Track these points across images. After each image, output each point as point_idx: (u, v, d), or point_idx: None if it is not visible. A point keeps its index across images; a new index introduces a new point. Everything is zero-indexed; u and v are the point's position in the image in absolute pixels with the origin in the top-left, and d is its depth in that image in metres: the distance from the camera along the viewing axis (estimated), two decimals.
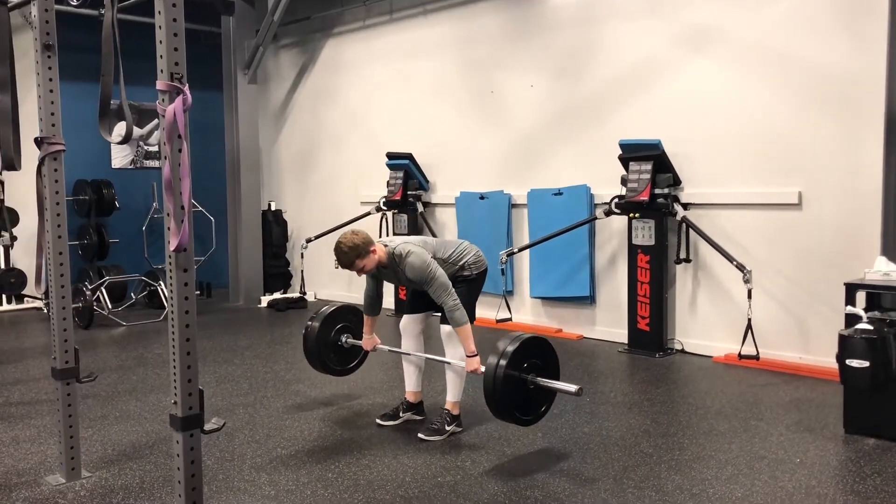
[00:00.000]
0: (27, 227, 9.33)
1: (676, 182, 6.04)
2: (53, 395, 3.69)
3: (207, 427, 2.94)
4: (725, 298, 5.87)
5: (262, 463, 3.83)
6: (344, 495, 3.43)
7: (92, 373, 3.83)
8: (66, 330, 3.61)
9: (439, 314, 4.17)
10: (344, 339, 4.62)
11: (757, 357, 5.37)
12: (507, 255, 6.60)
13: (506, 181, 7.31)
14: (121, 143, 3.47)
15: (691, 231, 5.93)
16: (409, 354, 4.39)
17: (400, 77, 8.22)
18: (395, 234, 8.05)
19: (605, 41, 6.53)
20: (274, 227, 9.25)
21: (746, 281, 5.33)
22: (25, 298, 8.89)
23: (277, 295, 9.04)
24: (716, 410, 4.61)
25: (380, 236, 8.04)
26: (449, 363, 4.19)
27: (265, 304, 8.79)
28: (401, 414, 4.46)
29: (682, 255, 6.00)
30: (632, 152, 6.09)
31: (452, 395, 4.26)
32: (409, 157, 7.83)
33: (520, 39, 7.14)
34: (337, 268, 4.36)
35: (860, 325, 3.95)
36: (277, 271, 9.31)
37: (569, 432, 4.25)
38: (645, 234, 6.09)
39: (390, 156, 7.95)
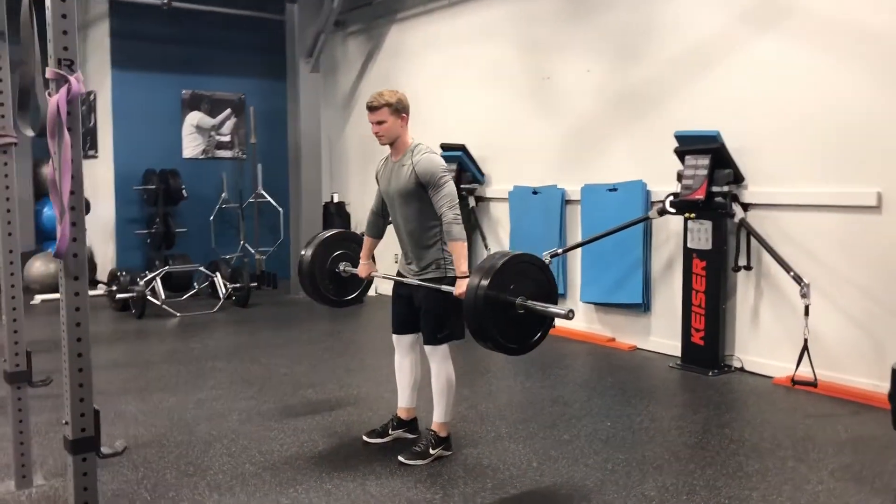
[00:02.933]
0: (96, 214, 9.56)
1: (738, 179, 5.35)
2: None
3: (105, 451, 2.67)
4: (791, 313, 5.13)
5: (221, 481, 3.56)
6: None
7: (48, 377, 3.65)
8: (16, 332, 3.45)
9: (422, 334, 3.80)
10: (342, 268, 4.24)
11: (815, 384, 4.65)
12: (551, 256, 6.08)
13: (560, 175, 6.77)
14: (38, 135, 3.22)
15: (753, 236, 5.23)
16: (402, 279, 3.87)
17: (458, 64, 7.80)
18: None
19: (666, 18, 5.88)
20: (336, 219, 9.05)
21: (804, 295, 4.63)
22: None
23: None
24: (752, 445, 3.97)
25: None
26: (441, 287, 3.66)
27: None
28: (390, 431, 4.09)
29: (742, 262, 5.31)
30: (688, 145, 5.44)
31: (439, 415, 3.84)
32: (463, 148, 7.41)
33: (576, 19, 6.57)
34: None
35: None
36: None
37: (569, 466, 3.74)
38: (701, 236, 5.43)
39: (444, 147, 7.54)
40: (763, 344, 5.34)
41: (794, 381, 4.70)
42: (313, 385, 5.16)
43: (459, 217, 3.64)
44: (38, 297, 8.67)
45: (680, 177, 5.47)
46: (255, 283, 8.68)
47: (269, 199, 9.35)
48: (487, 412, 4.56)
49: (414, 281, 3.80)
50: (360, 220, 9.24)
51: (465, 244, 3.62)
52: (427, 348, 3.82)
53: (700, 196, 5.28)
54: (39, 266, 9.11)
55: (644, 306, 6.07)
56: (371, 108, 3.72)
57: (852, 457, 3.82)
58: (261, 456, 3.87)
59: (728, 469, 3.67)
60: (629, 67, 6.16)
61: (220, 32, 9.50)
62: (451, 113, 7.91)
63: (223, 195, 9.43)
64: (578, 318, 6.67)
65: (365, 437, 4.08)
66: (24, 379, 3.45)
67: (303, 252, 4.28)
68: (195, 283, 8.88)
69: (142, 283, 7.63)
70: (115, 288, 7.80)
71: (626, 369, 5.58)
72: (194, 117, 9.59)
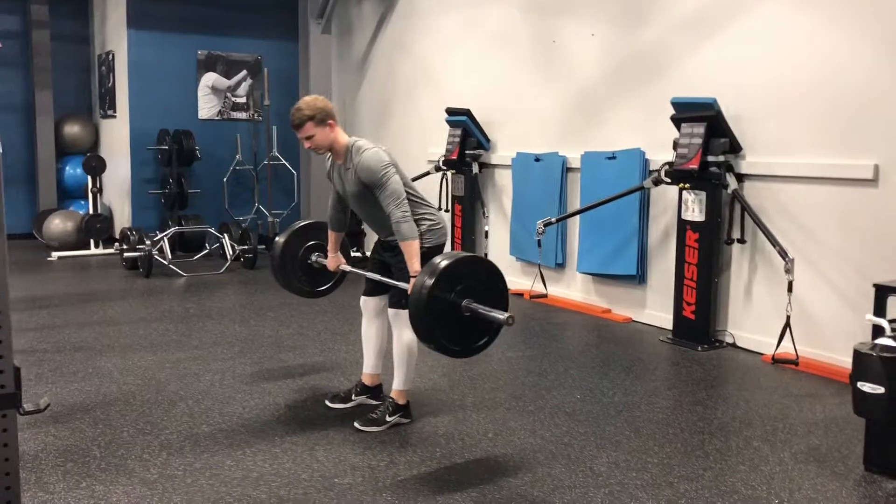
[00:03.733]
0: (114, 174, 9.69)
1: (735, 149, 5.15)
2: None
3: (27, 407, 2.67)
4: (785, 288, 4.95)
5: (174, 440, 3.59)
6: (221, 489, 3.10)
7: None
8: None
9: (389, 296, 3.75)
10: (314, 258, 4.20)
11: (796, 362, 4.49)
12: (545, 225, 5.97)
13: (562, 142, 6.62)
14: None
15: (743, 207, 5.05)
16: (367, 275, 3.91)
17: (467, 25, 7.65)
18: (453, 196, 7.58)
19: None
20: None
21: (787, 271, 4.46)
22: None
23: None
24: (720, 424, 3.87)
25: (440, 198, 7.60)
26: (397, 286, 3.67)
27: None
28: (353, 397, 4.07)
29: (736, 235, 5.14)
30: (684, 112, 5.26)
31: (398, 382, 3.80)
32: (468, 113, 7.28)
33: None
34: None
35: (881, 341, 3.10)
36: (350, 229, 9.06)
37: (524, 438, 3.68)
38: (695, 207, 5.26)
39: (449, 112, 7.45)
40: (756, 319, 5.18)
41: (774, 359, 4.55)
42: (294, 348, 5.17)
43: (407, 214, 3.54)
44: (55, 255, 8.85)
45: (676, 145, 5.29)
46: (265, 246, 8.72)
47: (283, 161, 9.37)
48: (459, 380, 4.52)
49: (386, 280, 3.77)
50: None
51: (416, 242, 3.53)
52: (391, 312, 3.79)
53: (694, 165, 5.11)
54: (58, 223, 9.29)
55: (639, 278, 5.93)
56: (294, 127, 3.64)
57: (822, 439, 3.69)
58: (220, 417, 3.88)
59: (688, 447, 3.57)
60: (632, 31, 5.96)
61: None
62: (459, 77, 7.78)
63: (237, 157, 9.46)
64: (575, 289, 6.57)
65: (328, 402, 4.07)
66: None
67: (276, 240, 4.26)
68: (206, 244, 8.96)
69: (149, 242, 7.71)
70: (125, 247, 7.92)
71: (614, 342, 5.48)
72: (210, 78, 9.61)
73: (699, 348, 5.19)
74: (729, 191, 5.06)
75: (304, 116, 3.57)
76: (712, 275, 5.23)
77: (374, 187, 3.57)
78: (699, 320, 5.29)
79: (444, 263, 3.14)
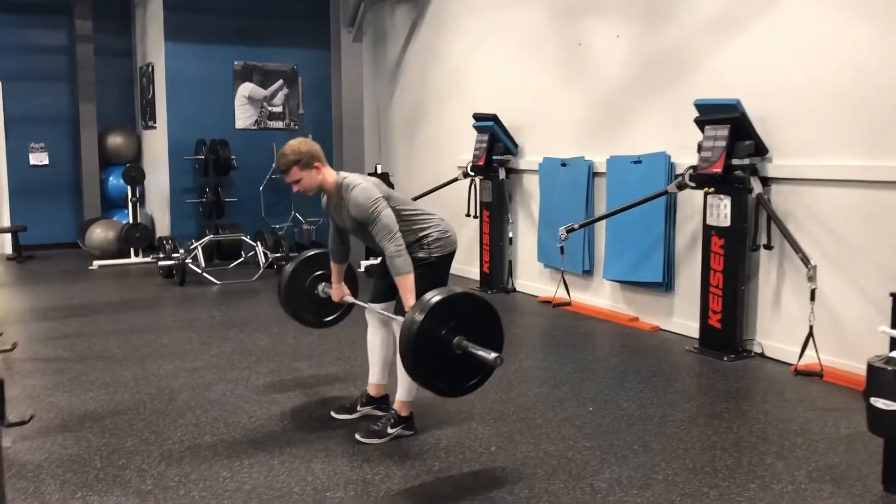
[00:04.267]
0: (155, 184, 9.87)
1: (761, 151, 4.97)
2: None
3: (11, 419, 2.71)
4: (817, 296, 4.74)
5: (175, 450, 3.59)
6: (211, 500, 3.09)
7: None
8: None
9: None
10: (321, 289, 4.19)
11: (820, 374, 4.29)
12: (568, 231, 5.85)
13: (589, 146, 6.49)
14: None
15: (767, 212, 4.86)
16: (369, 307, 3.92)
17: (495, 29, 7.57)
18: (481, 202, 7.50)
19: None
20: None
21: (810, 278, 4.26)
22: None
23: (374, 260, 8.80)
24: (736, 438, 3.71)
25: (468, 205, 7.54)
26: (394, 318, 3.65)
27: (362, 269, 8.61)
28: (358, 408, 4.03)
29: (762, 241, 4.95)
30: (708, 114, 5.09)
31: (402, 393, 3.75)
32: (495, 118, 7.20)
33: None
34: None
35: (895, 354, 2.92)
36: None
37: (528, 452, 3.58)
38: (720, 212, 5.09)
39: (476, 117, 7.38)
40: (785, 328, 4.97)
41: (797, 371, 4.36)
42: (311, 357, 5.16)
43: (401, 248, 3.50)
44: (96, 263, 9.04)
45: (700, 148, 5.13)
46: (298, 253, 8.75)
47: None
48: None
49: (383, 313, 3.78)
50: (403, 189, 9.18)
51: (411, 276, 3.48)
52: (395, 321, 3.73)
53: (718, 169, 4.94)
54: (99, 232, 9.49)
55: (666, 285, 5.77)
56: (281, 172, 3.67)
57: (842, 456, 3.51)
58: (225, 428, 3.88)
59: (697, 463, 3.43)
60: (657, 31, 5.81)
61: (271, 3, 9.57)
62: (488, 81, 7.70)
63: (273, 165, 9.55)
64: (603, 296, 6.43)
65: (333, 413, 4.03)
66: None
67: (283, 270, 4.26)
68: (242, 252, 9.05)
69: (182, 251, 7.83)
70: (161, 255, 8.05)
71: (638, 351, 5.33)
72: (246, 88, 9.73)
73: (724, 358, 5.01)
74: (753, 195, 4.88)
75: (289, 162, 3.58)
76: (738, 282, 5.05)
77: (366, 223, 3.55)
78: (725, 329, 5.10)
79: (436, 299, 3.10)
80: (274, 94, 9.89)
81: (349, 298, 4.08)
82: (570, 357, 5.22)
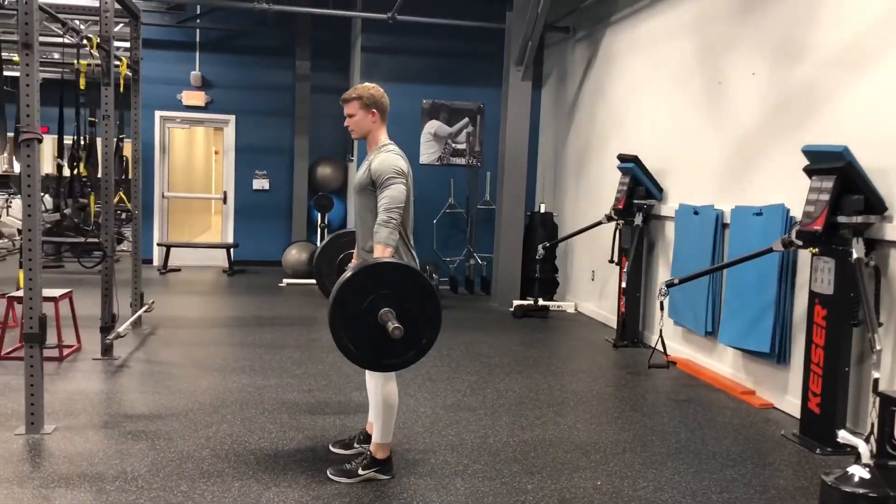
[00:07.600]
0: (350, 212, 10.50)
1: (875, 208, 4.15)
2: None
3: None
4: None
5: (160, 461, 3.80)
6: None
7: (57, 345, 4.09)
8: (31, 299, 4.05)
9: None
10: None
11: None
12: (668, 286, 5.30)
13: (720, 194, 5.84)
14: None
15: (884, 281, 4.02)
16: None
17: (652, 66, 7.12)
18: (620, 247, 7.04)
19: (828, 8, 4.76)
20: (539, 229, 8.82)
21: (874, 364, 3.43)
22: None
23: (526, 301, 8.62)
24: None
25: (612, 250, 7.12)
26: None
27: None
28: (354, 444, 3.99)
29: (862, 316, 4.10)
30: (815, 163, 4.38)
31: (377, 435, 3.66)
32: (635, 159, 6.76)
33: (746, 12, 5.61)
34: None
35: (853, 470, 2.28)
36: (544, 276, 8.85)
37: None
38: (823, 277, 4.32)
39: (620, 158, 6.98)
40: None
41: None
42: (361, 387, 5.17)
43: (392, 221, 3.44)
44: (286, 281, 9.86)
45: (806, 201, 4.41)
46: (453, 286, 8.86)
47: (493, 206, 9.48)
48: (473, 444, 4.18)
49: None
50: (568, 230, 8.92)
51: (390, 250, 3.41)
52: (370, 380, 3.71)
53: (818, 227, 4.21)
54: (294, 253, 10.34)
55: (778, 357, 4.99)
56: (343, 101, 3.72)
57: None
58: (227, 447, 4.03)
59: None
60: (789, 67, 5.10)
61: (459, 43, 9.85)
62: (641, 121, 7.26)
63: (450, 200, 9.78)
64: (726, 362, 5.72)
65: (330, 446, 4.03)
66: (35, 340, 4.06)
67: (318, 247, 4.40)
68: None
69: None
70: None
71: (728, 430, 4.62)
72: (432, 126, 10.07)
73: (817, 451, 4.22)
74: (852, 259, 4.08)
75: (354, 94, 3.67)
76: (840, 361, 4.23)
77: (378, 185, 3.51)
78: (824, 416, 4.30)
79: (374, 263, 3.26)
80: (459, 132, 10.12)
81: None
82: (635, 425, 4.69)
